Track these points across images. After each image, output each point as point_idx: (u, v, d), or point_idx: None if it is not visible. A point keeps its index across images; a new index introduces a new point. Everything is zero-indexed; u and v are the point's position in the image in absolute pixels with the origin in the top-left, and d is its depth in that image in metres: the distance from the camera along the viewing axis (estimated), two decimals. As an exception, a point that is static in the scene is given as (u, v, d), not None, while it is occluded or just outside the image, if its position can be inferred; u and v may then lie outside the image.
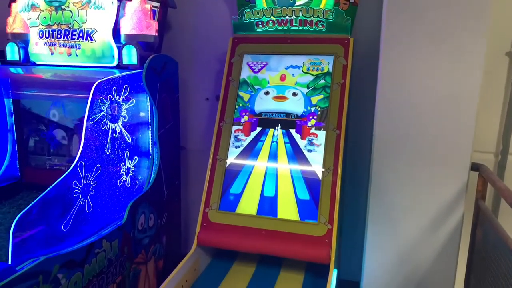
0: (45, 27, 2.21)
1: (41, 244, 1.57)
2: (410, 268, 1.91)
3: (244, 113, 2.02)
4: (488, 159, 2.10)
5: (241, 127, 2.01)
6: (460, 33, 1.69)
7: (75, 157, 2.17)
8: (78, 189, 1.72)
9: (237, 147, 1.99)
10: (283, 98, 2.00)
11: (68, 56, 2.22)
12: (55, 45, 2.22)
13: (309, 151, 1.88)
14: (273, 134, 1.96)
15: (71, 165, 2.33)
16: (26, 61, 2.30)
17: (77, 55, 2.20)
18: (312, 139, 1.89)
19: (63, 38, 2.20)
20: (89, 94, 1.80)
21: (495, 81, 2.04)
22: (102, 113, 1.85)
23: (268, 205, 1.88)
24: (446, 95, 1.75)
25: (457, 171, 1.76)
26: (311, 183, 1.85)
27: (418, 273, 1.90)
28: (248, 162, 1.96)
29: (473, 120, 1.74)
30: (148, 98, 2.14)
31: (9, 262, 1.43)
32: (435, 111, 1.77)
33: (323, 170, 1.83)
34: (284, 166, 1.90)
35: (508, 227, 1.50)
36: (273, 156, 1.93)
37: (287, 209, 1.84)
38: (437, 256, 1.85)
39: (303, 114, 1.94)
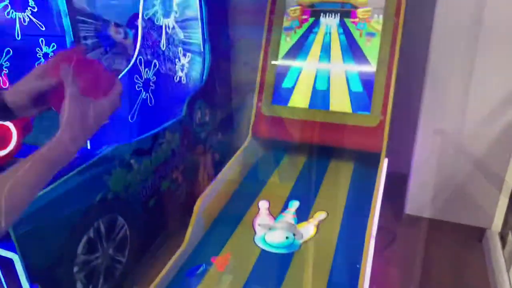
0: None
1: (113, 132, 1.72)
2: (462, 159, 1.93)
3: (294, 3, 1.96)
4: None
5: (292, 18, 1.96)
6: None
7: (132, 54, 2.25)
8: (140, 84, 1.82)
9: (288, 40, 1.96)
10: (337, -15, 1.89)
11: (115, -50, 2.17)
12: None
13: (365, 41, 1.83)
14: (327, 24, 1.90)
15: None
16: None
17: (123, -51, 2.15)
18: (368, 28, 1.82)
19: None
20: (140, -11, 1.80)
21: None
22: (155, 7, 1.86)
23: (320, 98, 1.90)
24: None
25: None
26: (365, 75, 1.83)
27: (470, 164, 1.93)
28: (300, 55, 1.94)
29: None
30: (197, -8, 2.11)
31: (88, 147, 1.60)
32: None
33: (378, 61, 1.79)
34: (337, 59, 1.88)
35: None
36: (326, 48, 1.90)
37: (340, 102, 1.86)
38: (492, 146, 1.85)
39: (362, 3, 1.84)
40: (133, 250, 1.80)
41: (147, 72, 1.86)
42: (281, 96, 1.97)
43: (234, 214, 1.63)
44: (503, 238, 1.95)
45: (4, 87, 2.21)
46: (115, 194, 1.65)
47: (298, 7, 1.94)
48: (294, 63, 1.95)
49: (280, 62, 1.97)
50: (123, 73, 1.71)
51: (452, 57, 1.77)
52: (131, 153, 1.73)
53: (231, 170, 1.77)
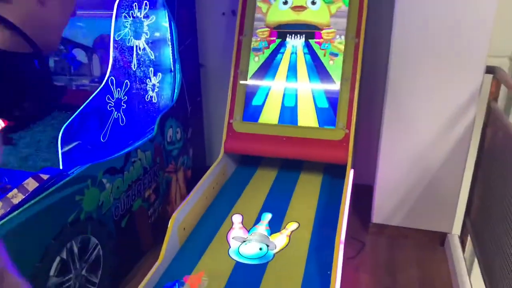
0: None
1: (85, 152, 1.73)
2: (422, 167, 2.05)
3: (263, 25, 2.05)
4: (504, 63, 2.13)
5: (260, 39, 2.05)
6: None
7: (101, 75, 2.27)
8: (112, 104, 1.84)
9: (257, 60, 2.05)
10: (301, 8, 2.01)
11: (84, -27, 2.21)
12: (69, -38, 2.20)
13: (328, 60, 1.94)
14: (293, 45, 2.00)
15: (95, 85, 2.44)
16: (42, -20, 2.30)
17: (92, -28, 2.19)
18: (332, 48, 1.94)
19: (77, -46, 2.17)
20: (111, 11, 1.84)
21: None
22: (126, 29, 1.90)
23: (288, 114, 1.99)
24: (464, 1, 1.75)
25: (472, 74, 1.81)
26: (330, 92, 1.93)
27: (429, 172, 2.05)
28: (268, 74, 2.03)
29: (491, 25, 1.75)
30: (167, 13, 2.17)
31: (61, 168, 1.60)
32: (453, 16, 1.78)
33: (342, 79, 1.90)
34: (304, 77, 1.98)
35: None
36: (292, 67, 2.00)
37: (307, 117, 1.95)
38: (448, 155, 1.98)
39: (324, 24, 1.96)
40: (107, 270, 1.79)
41: (118, 92, 1.88)
42: (251, 113, 2.04)
43: (208, 229, 1.66)
44: (463, 241, 2.08)
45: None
46: (87, 214, 1.65)
47: (266, 28, 2.04)
48: (263, 82, 2.03)
49: (249, 81, 2.04)
50: (95, 93, 1.73)
51: (409, 73, 1.90)
52: (103, 172, 1.74)
53: (204, 186, 1.81)
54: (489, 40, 1.78)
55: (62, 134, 1.59)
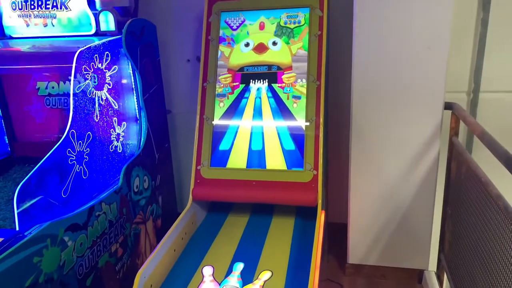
0: (17, -2, 2.17)
1: (44, 210, 1.65)
2: (392, 206, 2.06)
3: (225, 72, 2.07)
4: (462, 98, 2.21)
5: (224, 86, 2.06)
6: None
7: (64, 127, 2.21)
8: (73, 157, 1.78)
9: (222, 105, 2.05)
10: (263, 49, 2.04)
11: (45, 26, 2.20)
12: (29, 16, 2.19)
13: (292, 103, 1.96)
14: (257, 89, 2.02)
15: (59, 136, 2.38)
16: (1, 35, 2.27)
17: (53, 25, 2.19)
18: (294, 92, 1.96)
19: (37, 8, 2.17)
20: (71, 64, 1.82)
21: (466, 21, 2.11)
22: (87, 81, 1.88)
23: (256, 158, 1.97)
24: (419, 40, 1.82)
25: (431, 111, 1.87)
26: (296, 134, 1.94)
27: (400, 210, 2.05)
28: (234, 119, 2.03)
29: (445, 63, 1.82)
30: (130, 63, 2.16)
31: (17, 229, 1.51)
32: (409, 56, 1.85)
33: (306, 120, 1.92)
34: (269, 120, 1.98)
35: (481, 160, 1.62)
36: (257, 111, 2.01)
37: (275, 160, 1.94)
38: (417, 192, 1.99)
39: (286, 65, 1.99)
40: (70, 336, 1.67)
41: (80, 144, 1.83)
42: (219, 158, 2.01)
43: (177, 285, 1.58)
44: (439, 277, 2.06)
45: None
46: (47, 275, 1.54)
47: (229, 74, 2.06)
48: (229, 127, 2.02)
49: (216, 126, 2.03)
50: (54, 148, 1.68)
51: (371, 113, 1.94)
52: (65, 229, 1.65)
53: (172, 237, 1.74)
54: (445, 76, 1.84)
55: (18, 192, 1.52)
